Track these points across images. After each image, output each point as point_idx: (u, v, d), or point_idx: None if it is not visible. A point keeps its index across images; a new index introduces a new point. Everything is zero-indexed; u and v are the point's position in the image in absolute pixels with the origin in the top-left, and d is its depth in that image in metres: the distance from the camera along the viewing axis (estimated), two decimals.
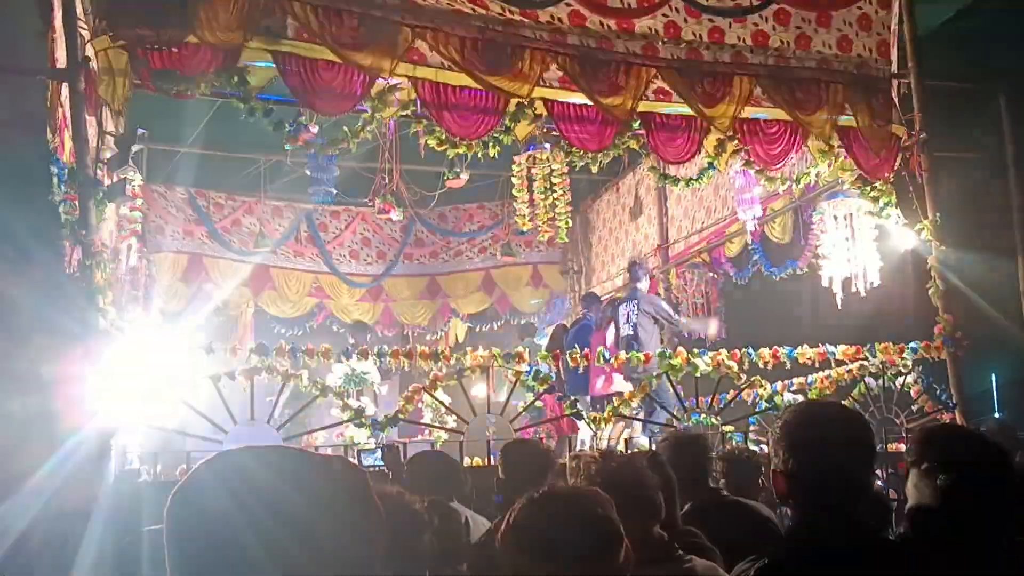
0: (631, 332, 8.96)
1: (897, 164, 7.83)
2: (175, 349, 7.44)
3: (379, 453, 6.88)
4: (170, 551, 1.16)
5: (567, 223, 8.88)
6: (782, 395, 7.68)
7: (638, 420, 8.20)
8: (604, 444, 7.83)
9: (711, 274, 11.39)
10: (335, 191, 8.24)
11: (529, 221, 8.82)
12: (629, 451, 6.75)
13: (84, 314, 5.65)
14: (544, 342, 10.91)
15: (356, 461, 6.75)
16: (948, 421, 7.05)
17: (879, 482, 6.52)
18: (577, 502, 1.82)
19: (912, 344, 7.70)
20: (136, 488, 5.94)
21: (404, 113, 7.04)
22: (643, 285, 9.28)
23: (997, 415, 7.76)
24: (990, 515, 2.24)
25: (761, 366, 7.69)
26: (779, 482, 2.11)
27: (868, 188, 8.00)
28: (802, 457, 2.08)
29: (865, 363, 7.75)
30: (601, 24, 6.88)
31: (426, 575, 2.80)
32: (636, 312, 9.00)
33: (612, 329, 9.26)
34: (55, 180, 6.51)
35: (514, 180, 8.89)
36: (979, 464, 2.28)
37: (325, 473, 1.23)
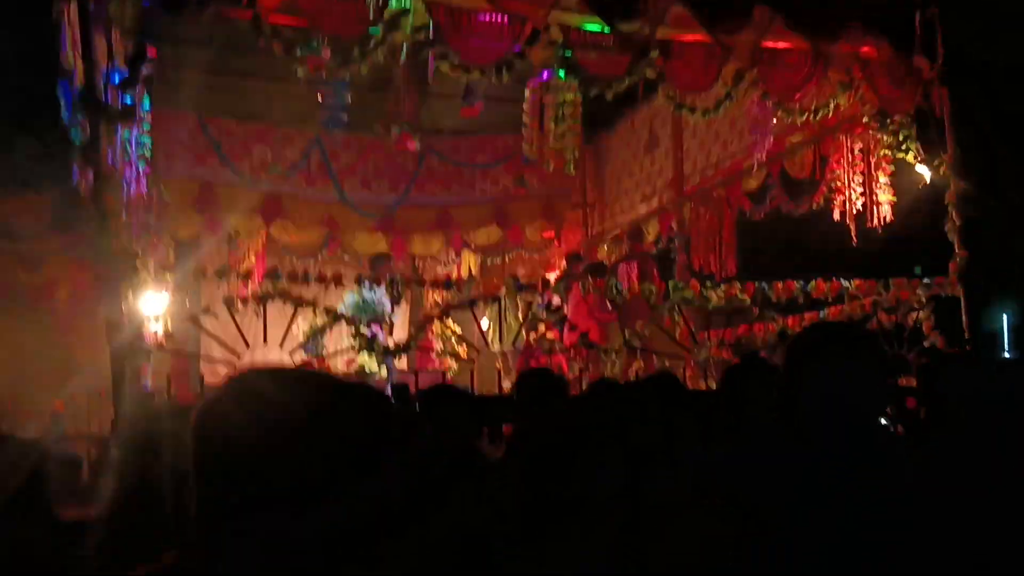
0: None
1: (918, 97, 7.69)
2: (189, 275, 7.47)
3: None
4: (195, 469, 1.20)
5: (575, 154, 8.73)
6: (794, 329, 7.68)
7: (653, 352, 8.21)
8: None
9: (726, 208, 11.28)
10: (346, 115, 8.14)
11: (537, 150, 8.68)
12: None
13: (96, 237, 5.66)
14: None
15: None
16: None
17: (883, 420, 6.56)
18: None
19: (926, 280, 7.66)
20: (152, 411, 6.02)
21: (417, 38, 6.91)
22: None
23: (1007, 355, 7.74)
24: None
25: (774, 300, 7.67)
26: (784, 400, 2.09)
27: (888, 121, 7.87)
28: (807, 373, 2.06)
29: (878, 298, 7.73)
30: None
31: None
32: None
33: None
34: (65, 102, 6.46)
35: (524, 107, 8.74)
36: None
37: (341, 398, 1.24)
